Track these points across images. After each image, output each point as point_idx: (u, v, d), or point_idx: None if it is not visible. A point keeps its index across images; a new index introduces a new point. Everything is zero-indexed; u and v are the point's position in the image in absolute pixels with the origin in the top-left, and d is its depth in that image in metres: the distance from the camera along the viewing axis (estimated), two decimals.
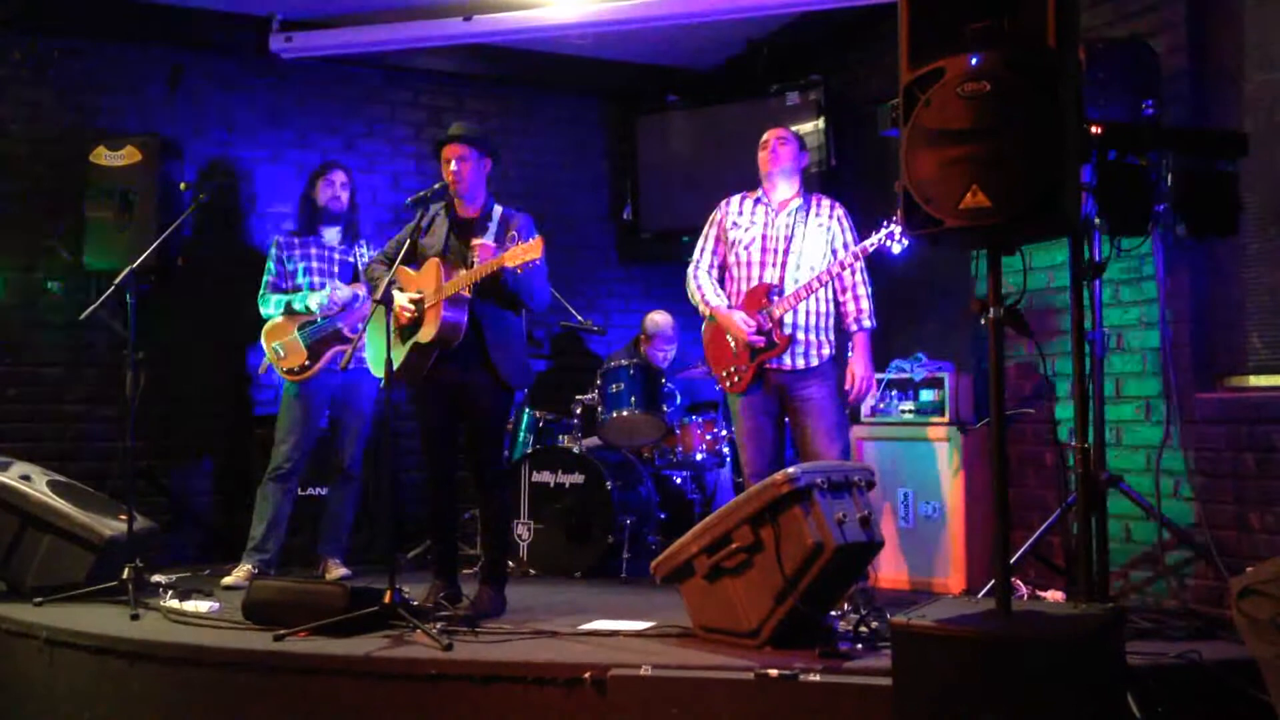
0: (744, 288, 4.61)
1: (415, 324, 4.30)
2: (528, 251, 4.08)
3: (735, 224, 4.69)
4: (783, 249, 4.57)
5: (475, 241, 4.30)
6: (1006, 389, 3.60)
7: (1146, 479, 4.30)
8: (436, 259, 4.31)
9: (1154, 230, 4.19)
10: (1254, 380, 4.22)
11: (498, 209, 4.49)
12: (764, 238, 4.60)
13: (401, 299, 4.29)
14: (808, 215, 4.60)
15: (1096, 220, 3.91)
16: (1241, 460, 4.07)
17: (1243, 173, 4.18)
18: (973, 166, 2.83)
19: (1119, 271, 4.44)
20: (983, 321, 3.04)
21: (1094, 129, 3.84)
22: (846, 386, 4.58)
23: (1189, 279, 4.31)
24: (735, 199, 4.77)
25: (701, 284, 4.72)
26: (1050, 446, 4.81)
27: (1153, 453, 4.33)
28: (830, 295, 4.60)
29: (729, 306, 4.62)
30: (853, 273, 4.57)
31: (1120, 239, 4.15)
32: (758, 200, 4.70)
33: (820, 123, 6.26)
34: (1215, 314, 4.32)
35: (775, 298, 4.51)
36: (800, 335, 4.50)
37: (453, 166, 4.38)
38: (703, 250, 4.78)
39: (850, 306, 4.59)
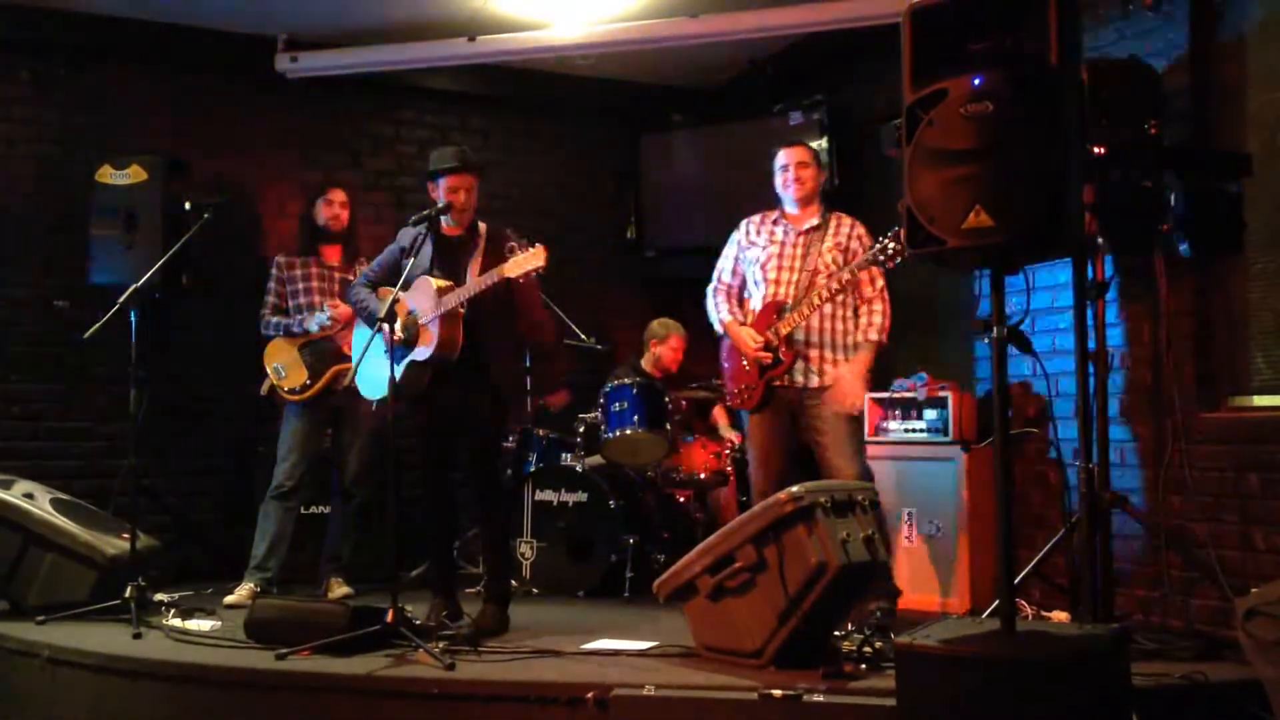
0: (759, 306, 4.60)
1: (408, 342, 4.29)
2: (530, 260, 4.06)
3: (753, 243, 4.67)
4: (797, 267, 4.54)
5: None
6: (1010, 408, 3.61)
7: (1151, 499, 4.29)
8: (429, 277, 4.31)
9: (1157, 250, 4.20)
10: (1257, 400, 4.21)
11: (482, 225, 4.50)
12: (779, 256, 4.59)
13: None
14: (824, 234, 4.57)
15: (1099, 240, 3.92)
16: (1245, 480, 4.06)
17: (1246, 192, 4.19)
18: (976, 186, 2.84)
19: (1122, 291, 4.44)
20: (986, 341, 3.04)
21: (1097, 149, 3.87)
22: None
23: (1192, 298, 4.30)
24: (755, 218, 4.75)
25: (717, 302, 4.75)
26: (1054, 466, 4.80)
27: (1157, 472, 4.32)
28: (852, 314, 4.55)
29: (741, 323, 4.62)
30: (873, 288, 4.53)
31: (1123, 258, 4.16)
32: (776, 220, 4.69)
33: (823, 142, 6.28)
34: (1218, 334, 4.32)
35: (784, 314, 4.49)
36: (813, 352, 4.47)
37: (462, 196, 4.38)
38: (721, 269, 4.78)
39: (863, 320, 4.55)
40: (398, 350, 4.30)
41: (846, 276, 4.42)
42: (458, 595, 4.55)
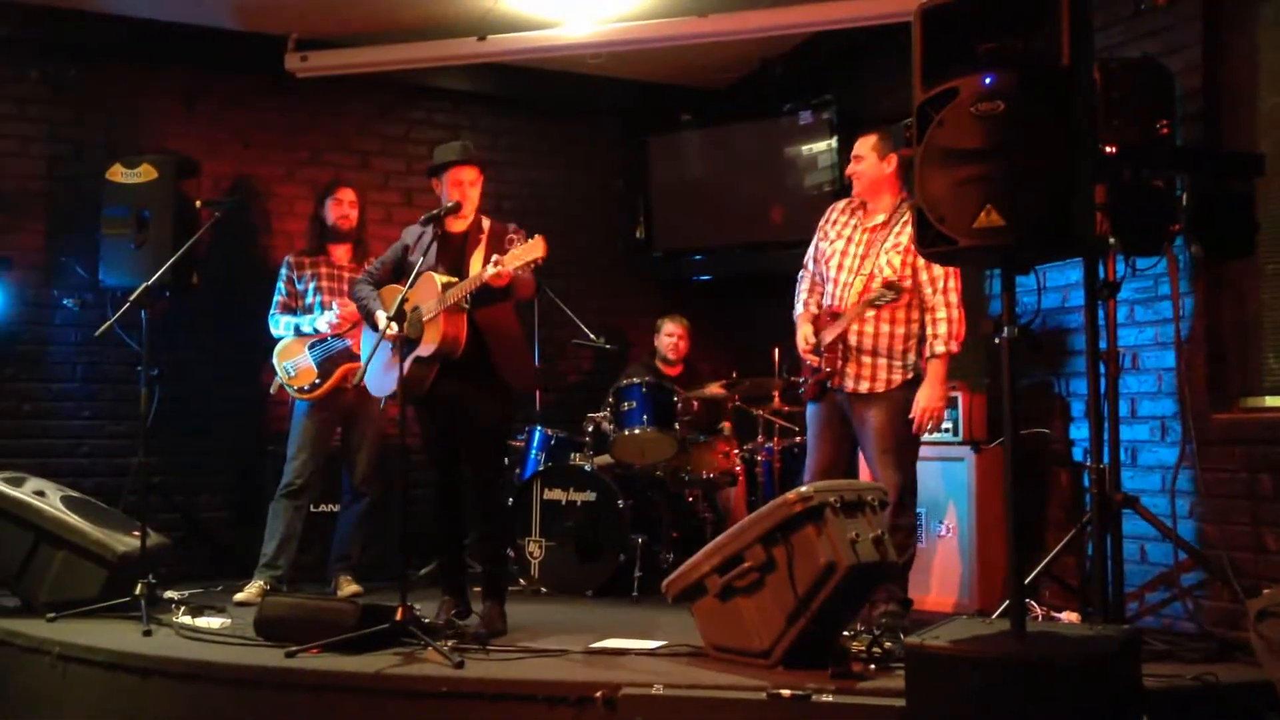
0: (826, 302, 4.42)
1: (413, 339, 4.28)
2: (529, 252, 4.03)
3: (826, 234, 4.47)
4: (856, 266, 4.32)
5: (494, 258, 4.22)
6: (1020, 409, 3.59)
7: (1162, 500, 4.29)
8: (432, 273, 4.30)
9: (1169, 250, 4.19)
10: (1269, 401, 4.20)
11: (485, 220, 4.50)
12: (843, 254, 4.38)
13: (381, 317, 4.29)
14: (889, 231, 4.30)
15: (1111, 240, 3.91)
16: (1257, 481, 4.05)
17: (1258, 193, 4.18)
18: (986, 186, 2.84)
19: (1134, 291, 4.43)
20: (996, 341, 3.03)
21: (1108, 149, 3.85)
22: (911, 414, 4.20)
23: (1204, 299, 4.29)
24: (840, 204, 4.52)
25: (800, 290, 4.56)
26: (1065, 467, 4.79)
27: (1168, 473, 4.31)
28: (917, 316, 4.28)
29: (814, 316, 4.44)
30: (934, 292, 4.19)
31: (1135, 258, 4.15)
32: (855, 209, 4.46)
33: (833, 142, 6.27)
34: (1230, 334, 4.31)
35: (836, 320, 4.31)
36: (866, 359, 4.25)
37: (466, 189, 4.39)
38: (807, 256, 4.58)
39: (929, 330, 4.22)
40: (404, 347, 4.29)
41: (854, 315, 4.22)
42: (468, 593, 4.55)
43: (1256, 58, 4.26)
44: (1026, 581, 3.85)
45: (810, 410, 4.47)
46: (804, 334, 4.40)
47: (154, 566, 4.61)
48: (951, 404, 4.96)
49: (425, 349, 4.26)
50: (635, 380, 5.63)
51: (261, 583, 5.07)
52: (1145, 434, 4.46)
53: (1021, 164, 2.81)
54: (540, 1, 5.86)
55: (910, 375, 4.27)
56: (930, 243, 2.96)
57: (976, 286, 5.32)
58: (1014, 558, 2.99)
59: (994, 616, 3.86)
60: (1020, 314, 3.07)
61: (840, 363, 4.27)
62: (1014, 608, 2.95)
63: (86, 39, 6.00)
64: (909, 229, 4.11)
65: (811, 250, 4.57)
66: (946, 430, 4.98)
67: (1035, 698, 2.71)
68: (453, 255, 4.40)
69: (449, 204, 4.37)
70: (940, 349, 4.18)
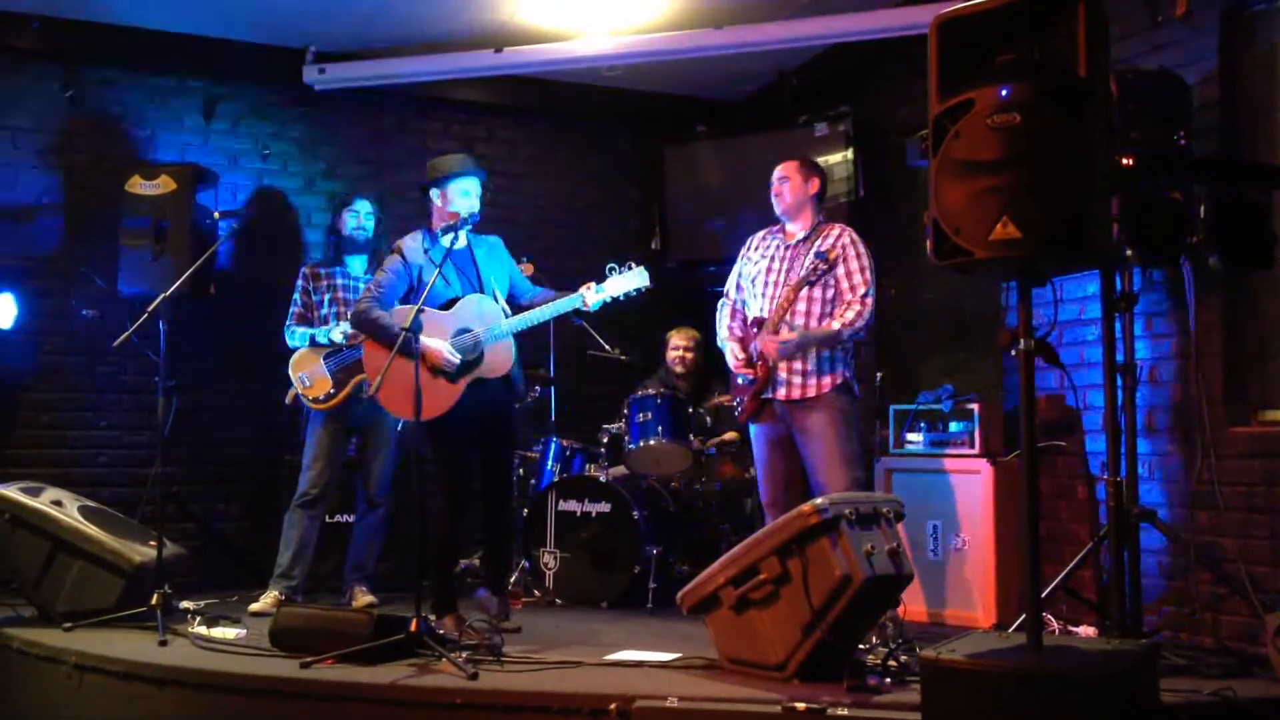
0: (753, 316, 4.66)
1: (471, 363, 4.37)
2: (633, 281, 4.43)
3: (749, 258, 4.75)
4: (780, 281, 4.58)
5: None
6: (1037, 421, 3.57)
7: (1180, 513, 4.25)
8: (480, 295, 4.43)
9: (1186, 262, 4.17)
10: None
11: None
12: (767, 271, 4.64)
13: (442, 345, 4.31)
14: (810, 247, 4.58)
15: (1128, 251, 3.89)
16: (1276, 495, 4.01)
17: (1276, 204, 4.16)
18: (1003, 197, 2.83)
19: (1151, 303, 4.41)
20: (1013, 353, 3.02)
21: (1125, 160, 3.84)
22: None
23: (1221, 311, 4.27)
24: (761, 233, 4.82)
25: (721, 316, 4.83)
26: (1082, 479, 4.77)
27: (1186, 487, 4.28)
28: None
29: (738, 338, 4.71)
30: (854, 298, 4.49)
31: (1152, 270, 4.13)
32: (775, 233, 4.76)
33: (849, 154, 6.26)
34: (1248, 347, 4.28)
35: (758, 330, 4.55)
36: (795, 365, 4.49)
37: (474, 200, 4.48)
38: (729, 284, 4.87)
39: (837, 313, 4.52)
40: (456, 371, 4.34)
41: (789, 295, 4.46)
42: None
43: (1274, 69, 4.24)
44: (1043, 595, 3.83)
45: (753, 431, 4.68)
46: (732, 350, 4.65)
47: (170, 576, 4.62)
48: (967, 415, 4.97)
49: (493, 371, 4.40)
50: (650, 391, 5.63)
51: (276, 593, 5.08)
52: (1163, 447, 4.44)
53: (1038, 175, 2.80)
54: (556, 14, 5.88)
55: (840, 380, 4.49)
56: (946, 255, 2.95)
57: (992, 298, 5.30)
58: (1031, 571, 2.97)
59: (1010, 630, 3.84)
60: (1037, 326, 3.05)
61: (770, 368, 4.49)
62: (1031, 621, 2.94)
63: (106, 50, 6.06)
64: (828, 240, 4.53)
65: (733, 279, 4.85)
66: (962, 443, 4.97)
67: (1052, 712, 2.69)
68: (462, 268, 4.45)
69: (472, 212, 4.44)
70: (835, 325, 4.46)
